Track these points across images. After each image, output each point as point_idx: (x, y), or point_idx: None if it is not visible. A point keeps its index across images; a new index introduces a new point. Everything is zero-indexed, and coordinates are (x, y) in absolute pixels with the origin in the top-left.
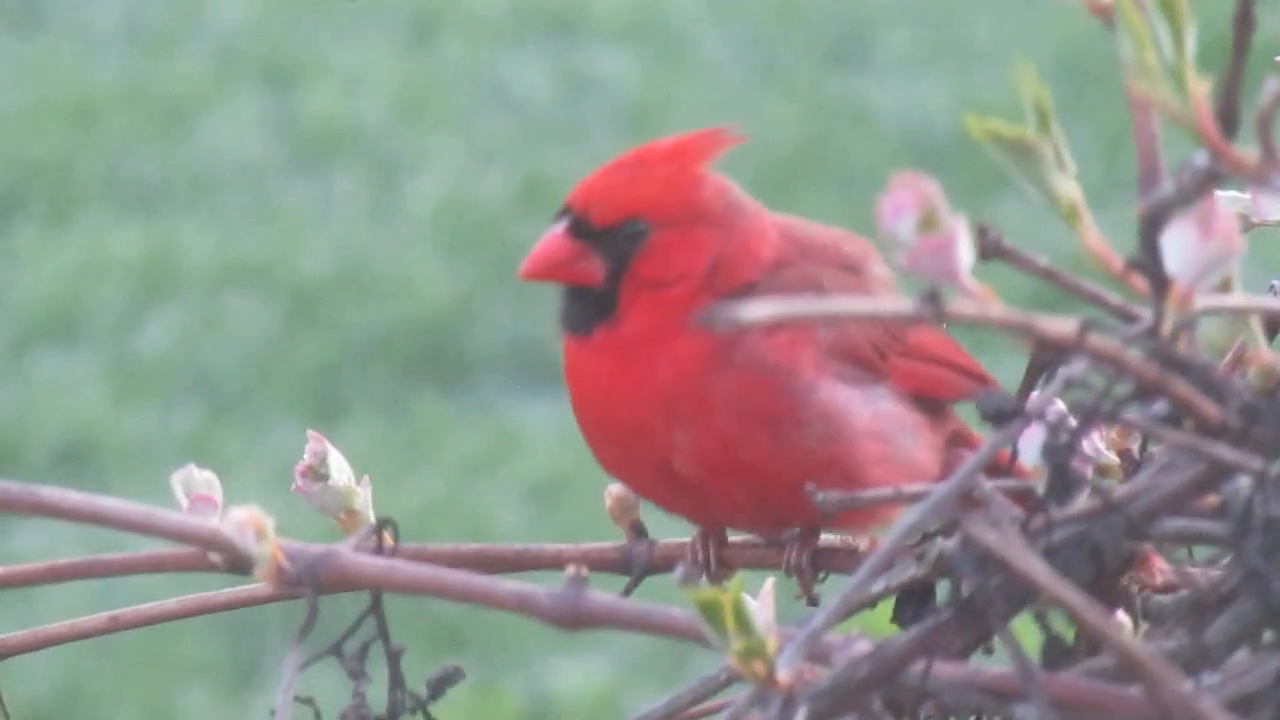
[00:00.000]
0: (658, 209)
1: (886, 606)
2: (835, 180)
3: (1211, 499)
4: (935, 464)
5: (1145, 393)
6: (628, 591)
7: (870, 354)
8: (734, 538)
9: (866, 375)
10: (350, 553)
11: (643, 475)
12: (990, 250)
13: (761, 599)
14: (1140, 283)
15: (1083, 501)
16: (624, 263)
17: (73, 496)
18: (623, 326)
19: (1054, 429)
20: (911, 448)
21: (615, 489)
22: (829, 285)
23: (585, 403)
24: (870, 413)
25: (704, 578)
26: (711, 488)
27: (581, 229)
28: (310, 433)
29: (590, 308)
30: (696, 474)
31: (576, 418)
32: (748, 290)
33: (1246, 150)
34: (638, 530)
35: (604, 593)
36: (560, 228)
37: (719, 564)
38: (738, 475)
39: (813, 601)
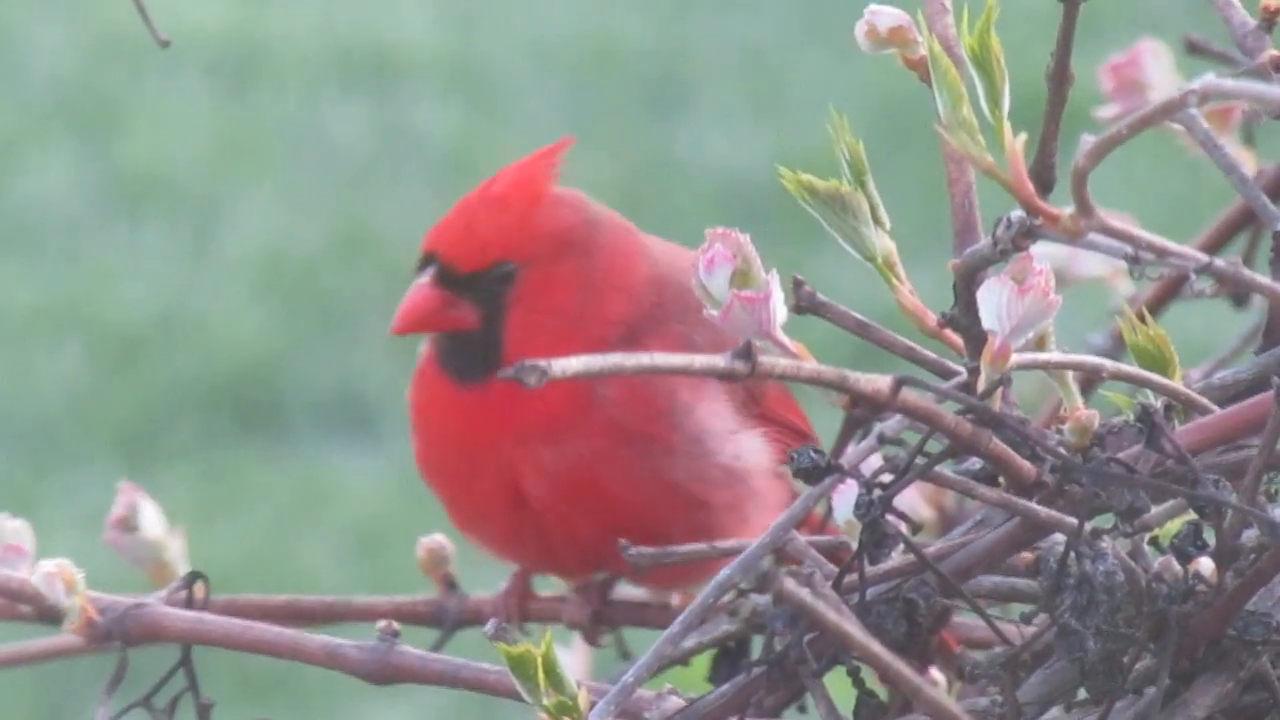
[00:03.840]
0: (522, 248)
1: (700, 663)
2: (653, 229)
3: (1026, 556)
4: (777, 507)
5: (959, 449)
6: (439, 645)
7: (739, 390)
8: (542, 591)
9: (739, 416)
10: (161, 606)
11: (492, 510)
12: (805, 305)
13: (572, 654)
14: (955, 339)
15: (896, 558)
16: (497, 305)
17: None
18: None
19: (867, 485)
20: (761, 502)
21: (428, 541)
22: (700, 342)
23: (445, 439)
24: (734, 453)
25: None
26: (557, 516)
27: (447, 277)
28: (122, 484)
29: (475, 354)
30: (549, 498)
31: (425, 459)
32: (625, 326)
33: (1062, 207)
34: (449, 583)
35: (414, 648)
36: (426, 278)
37: (524, 619)
38: (592, 502)
39: (596, 645)
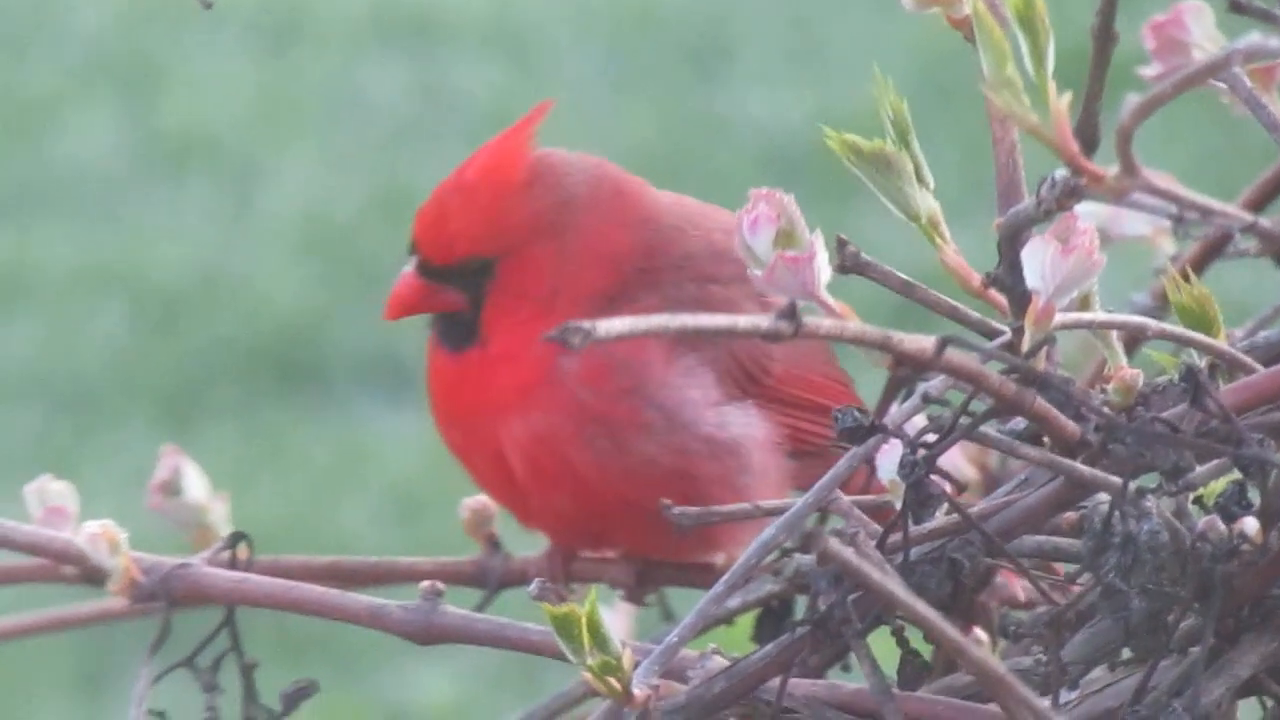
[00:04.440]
0: (492, 242)
1: (744, 623)
2: (694, 189)
3: (1070, 516)
4: (776, 481)
5: (1004, 409)
6: (483, 605)
7: (732, 365)
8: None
9: (726, 386)
10: (204, 567)
11: (495, 482)
12: (849, 264)
13: (616, 614)
14: (999, 298)
15: (940, 518)
16: (479, 292)
17: None
18: (489, 349)
19: (912, 445)
20: (757, 475)
21: (471, 502)
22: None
23: (444, 410)
24: (717, 422)
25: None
26: (538, 492)
27: (426, 268)
28: (165, 447)
29: (460, 329)
30: (526, 474)
31: (438, 428)
32: (603, 298)
33: (1106, 166)
34: (493, 544)
35: (458, 607)
36: (410, 268)
37: (568, 578)
38: (565, 479)
39: (641, 605)
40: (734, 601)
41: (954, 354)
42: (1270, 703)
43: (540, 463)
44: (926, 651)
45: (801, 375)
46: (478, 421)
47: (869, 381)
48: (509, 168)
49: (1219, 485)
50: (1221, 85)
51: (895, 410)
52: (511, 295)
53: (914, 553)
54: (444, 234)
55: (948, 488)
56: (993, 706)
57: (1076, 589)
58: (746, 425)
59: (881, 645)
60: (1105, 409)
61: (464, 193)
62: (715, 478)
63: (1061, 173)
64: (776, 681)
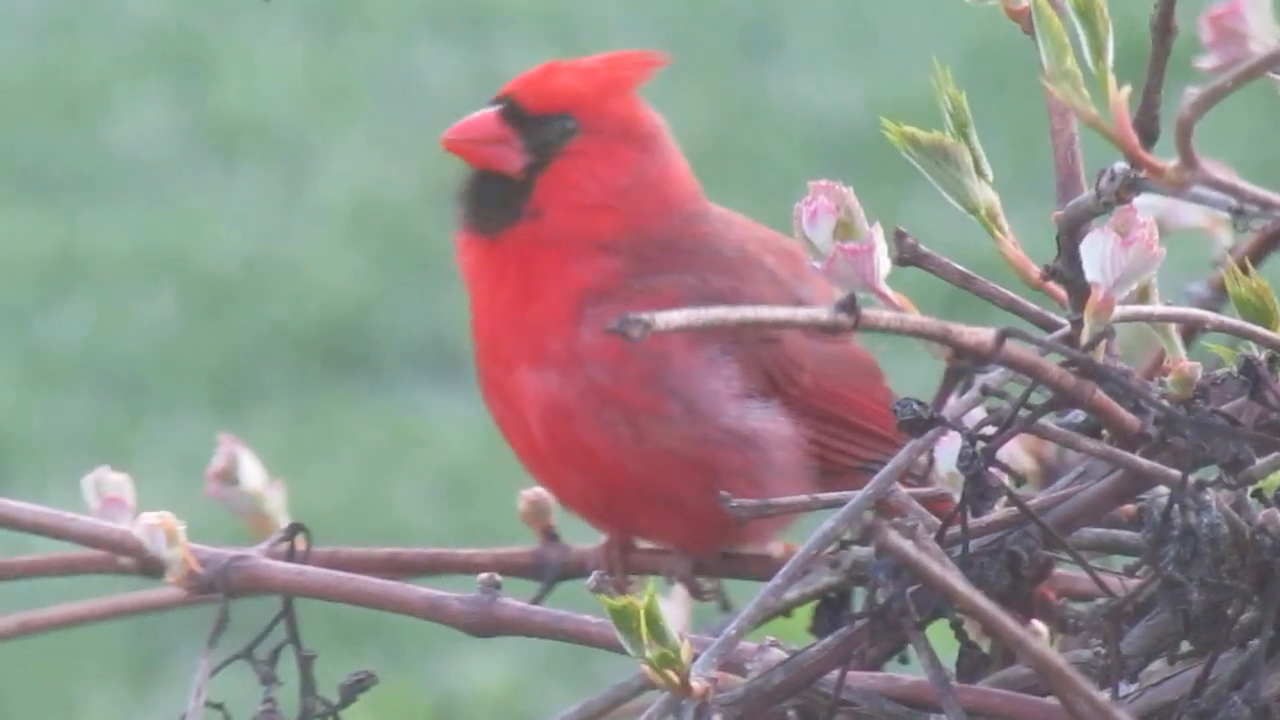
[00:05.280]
0: (592, 111)
1: (801, 614)
2: (746, 175)
3: (1129, 508)
4: (796, 482)
5: (1063, 401)
6: (539, 597)
7: (757, 368)
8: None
9: (750, 381)
10: (262, 558)
11: (525, 449)
12: (908, 256)
13: (673, 605)
14: (1058, 290)
15: (999, 510)
16: (546, 158)
17: None
18: (532, 227)
19: (970, 438)
20: (779, 471)
21: (529, 493)
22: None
23: (480, 310)
24: (737, 414)
25: (616, 585)
26: (555, 465)
27: (513, 113)
28: (222, 435)
29: (499, 204)
30: (542, 439)
31: (478, 365)
32: (657, 244)
33: (1165, 158)
34: (550, 535)
35: (515, 599)
36: (494, 110)
37: (626, 569)
38: (580, 457)
39: (701, 597)
40: (792, 593)
41: (1013, 346)
42: None
43: (556, 433)
44: (985, 644)
45: (832, 389)
46: (500, 322)
47: (917, 374)
48: (625, 70)
49: (1278, 477)
50: (1278, 77)
51: (953, 402)
52: (583, 172)
53: (973, 545)
54: (548, 86)
55: (1006, 480)
56: (1051, 699)
57: (1135, 581)
58: (769, 420)
59: (940, 637)
60: (1164, 401)
61: (586, 66)
62: (735, 470)
63: (1121, 165)
64: (835, 674)
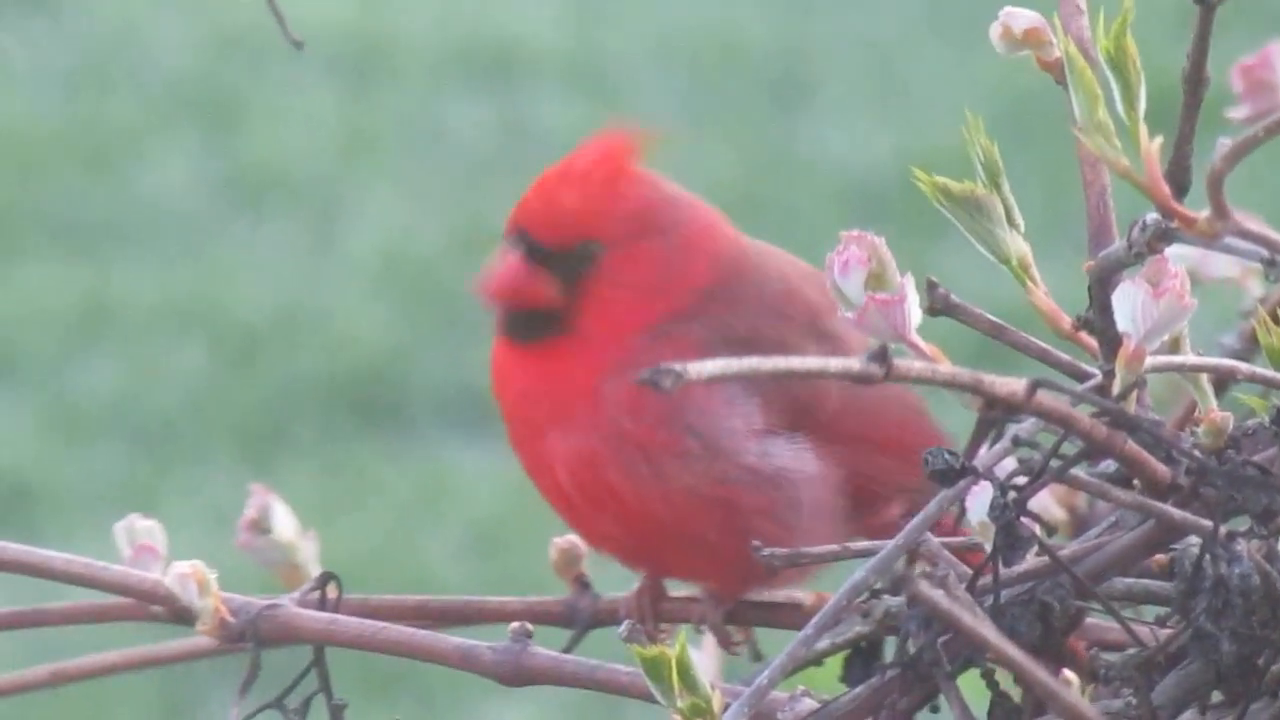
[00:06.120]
0: (605, 228)
1: (833, 664)
2: (774, 224)
3: (1160, 558)
4: (829, 537)
5: (1094, 452)
6: (571, 646)
7: (782, 396)
8: (676, 592)
9: (773, 416)
10: (293, 607)
11: (546, 486)
12: (939, 307)
13: (705, 655)
14: (1089, 340)
15: (1030, 560)
16: (576, 281)
17: (13, 548)
18: (578, 340)
19: (1002, 488)
20: (808, 511)
21: (560, 541)
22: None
23: (508, 408)
24: (759, 452)
25: (648, 634)
26: (588, 512)
27: (534, 252)
28: (253, 485)
29: (541, 323)
30: (573, 493)
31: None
32: (695, 302)
33: (1197, 209)
34: (582, 583)
35: (546, 649)
36: (516, 254)
37: (657, 618)
38: (608, 502)
39: (731, 650)
40: (823, 643)
41: (1045, 396)
42: None
43: (582, 480)
44: (1016, 694)
45: (863, 409)
46: (536, 415)
47: (949, 424)
48: (619, 158)
49: None
50: None
51: (985, 452)
52: (616, 285)
53: (1004, 595)
54: (559, 215)
55: (1038, 530)
56: None
57: (1167, 631)
58: (795, 458)
59: (971, 687)
60: (1196, 452)
61: (577, 179)
62: (758, 509)
63: (1152, 216)
64: None
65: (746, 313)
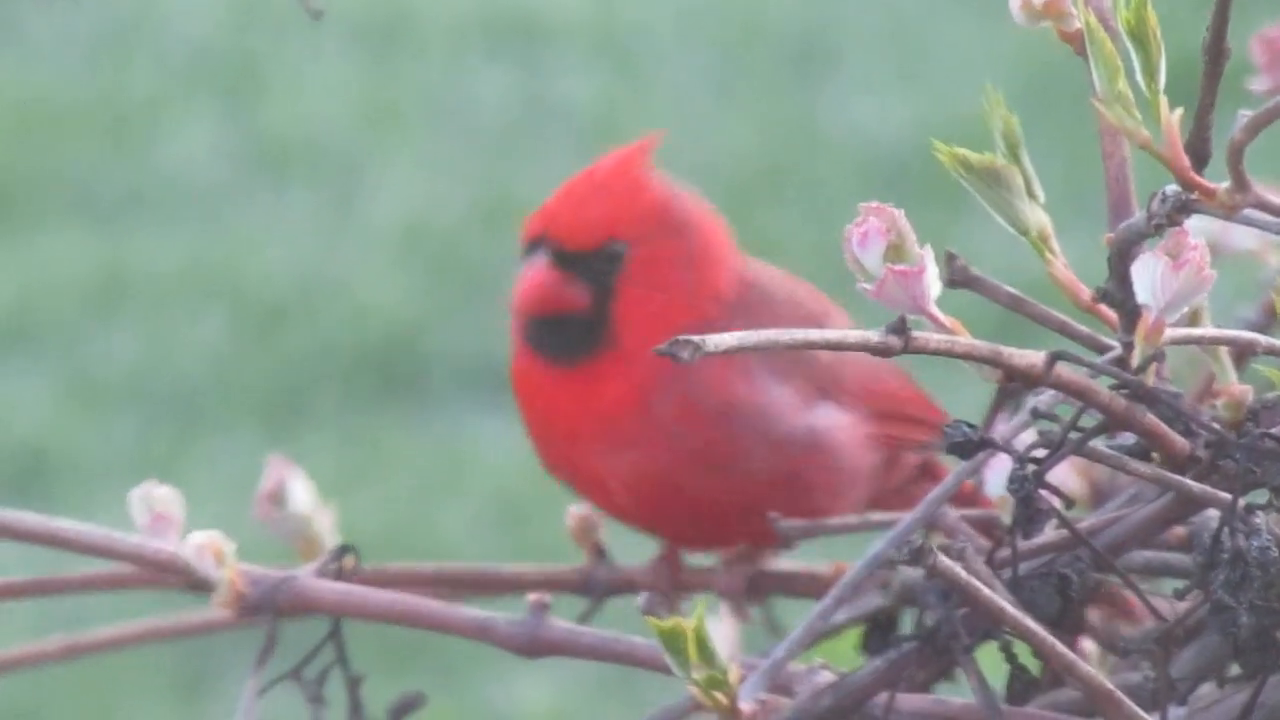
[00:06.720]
0: (629, 227)
1: (850, 636)
2: (797, 198)
3: (1179, 531)
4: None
5: (1113, 425)
6: (586, 616)
7: (806, 385)
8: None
9: (805, 396)
10: (310, 578)
11: (593, 496)
12: (958, 279)
13: (722, 627)
14: (1109, 313)
15: (1049, 533)
16: (605, 285)
17: (29, 518)
18: (616, 355)
19: (1020, 460)
20: (849, 473)
21: (577, 510)
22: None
23: (542, 427)
24: (806, 423)
25: (667, 605)
26: (648, 515)
27: (561, 257)
28: (271, 457)
29: (573, 335)
30: (631, 503)
31: (533, 440)
32: (723, 312)
33: (1217, 181)
34: (599, 553)
35: (563, 620)
36: (543, 261)
37: (676, 589)
38: (675, 505)
39: (744, 619)
40: (841, 616)
41: (1064, 369)
42: None
43: (643, 494)
44: (1034, 667)
45: (872, 387)
46: (577, 438)
47: (968, 397)
48: (637, 165)
49: None
50: None
51: (1004, 425)
52: (647, 289)
53: (1022, 568)
54: (584, 218)
55: (1057, 503)
56: None
57: (1185, 605)
58: (833, 422)
59: (989, 660)
60: (1215, 425)
61: (599, 183)
62: (817, 471)
63: (1172, 188)
64: (884, 696)
65: (773, 320)
